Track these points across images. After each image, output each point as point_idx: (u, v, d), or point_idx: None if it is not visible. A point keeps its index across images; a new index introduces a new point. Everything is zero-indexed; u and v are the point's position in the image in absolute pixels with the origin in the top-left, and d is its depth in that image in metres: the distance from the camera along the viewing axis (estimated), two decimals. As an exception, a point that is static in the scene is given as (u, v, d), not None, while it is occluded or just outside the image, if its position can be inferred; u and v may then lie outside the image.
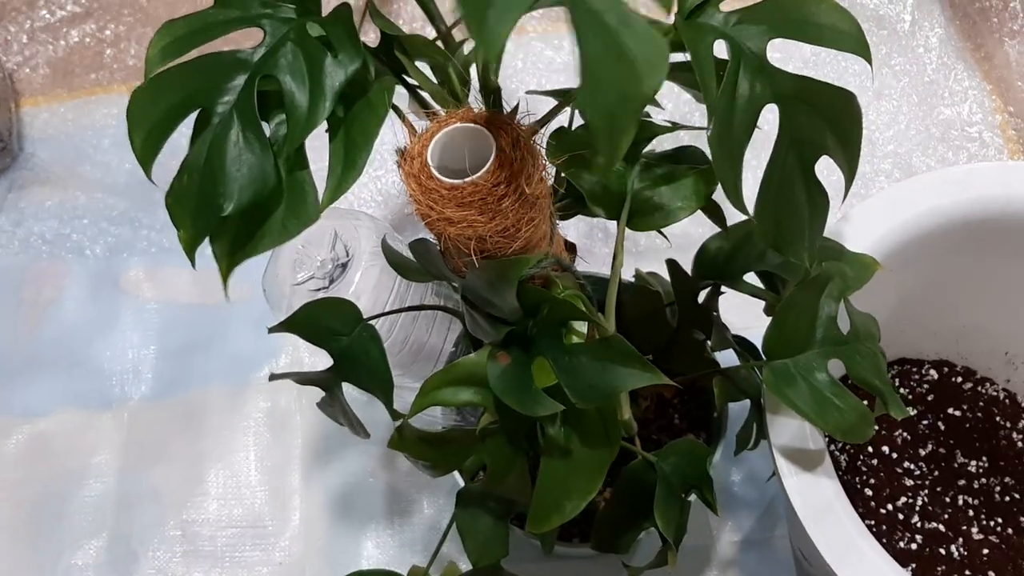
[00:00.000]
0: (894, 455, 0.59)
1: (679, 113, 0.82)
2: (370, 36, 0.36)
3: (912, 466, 0.59)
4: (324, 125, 0.33)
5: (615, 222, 0.45)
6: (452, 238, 0.36)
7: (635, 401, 0.56)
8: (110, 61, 0.91)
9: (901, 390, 0.63)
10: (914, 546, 0.56)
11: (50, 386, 0.74)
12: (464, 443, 0.42)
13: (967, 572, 0.55)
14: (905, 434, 0.60)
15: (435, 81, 0.41)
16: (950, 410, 0.61)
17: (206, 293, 0.78)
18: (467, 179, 0.34)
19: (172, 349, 0.75)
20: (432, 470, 0.44)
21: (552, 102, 0.41)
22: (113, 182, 0.84)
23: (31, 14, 0.92)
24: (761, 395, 0.47)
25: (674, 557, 0.44)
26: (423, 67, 0.41)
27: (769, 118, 0.33)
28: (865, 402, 0.42)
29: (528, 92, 0.48)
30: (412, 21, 0.90)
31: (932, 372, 0.63)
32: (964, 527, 0.57)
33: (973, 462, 0.59)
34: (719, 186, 0.34)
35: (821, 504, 0.43)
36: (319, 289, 0.55)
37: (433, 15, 0.42)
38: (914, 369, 0.63)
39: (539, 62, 0.87)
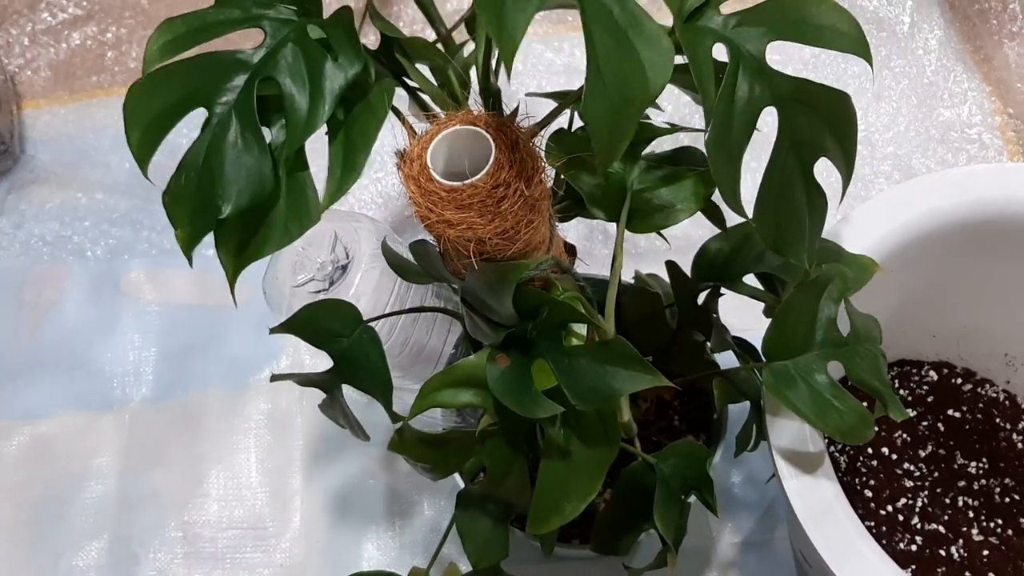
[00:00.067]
0: (894, 456, 0.59)
1: (679, 115, 0.82)
2: (370, 38, 0.36)
3: (912, 467, 0.59)
4: (324, 127, 0.33)
5: (615, 224, 0.45)
6: (451, 240, 0.36)
7: (635, 403, 0.56)
8: (111, 63, 0.91)
9: (901, 391, 0.63)
10: (914, 547, 0.56)
11: (51, 388, 0.74)
12: (464, 445, 0.42)
13: (967, 573, 0.55)
14: (905, 435, 0.60)
15: (435, 83, 0.41)
16: (950, 411, 0.61)
17: (207, 295, 0.78)
18: (466, 181, 0.34)
19: (173, 351, 0.75)
20: (432, 473, 0.44)
21: (552, 104, 0.41)
22: (114, 184, 0.84)
23: (32, 17, 0.92)
24: (761, 397, 0.47)
25: (674, 559, 0.45)
26: (423, 69, 0.41)
27: (768, 120, 0.33)
28: (865, 404, 0.42)
29: (528, 94, 0.48)
30: (412, 23, 0.90)
31: (932, 373, 0.63)
32: (964, 528, 0.57)
33: (973, 463, 0.59)
34: (718, 188, 0.34)
35: (821, 506, 0.43)
36: (319, 291, 0.55)
37: (433, 18, 0.42)
38: (914, 370, 0.63)
39: (539, 64, 0.87)
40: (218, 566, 0.67)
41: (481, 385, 0.38)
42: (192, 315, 0.77)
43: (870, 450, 0.59)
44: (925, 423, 0.61)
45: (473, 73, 0.40)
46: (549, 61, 0.88)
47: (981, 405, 0.62)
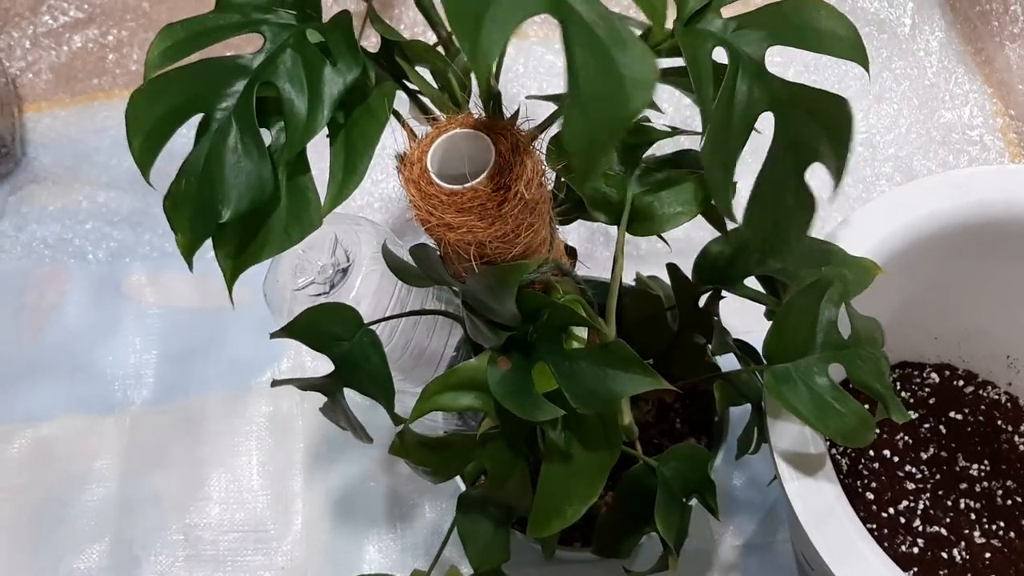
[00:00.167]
0: (895, 459, 0.59)
1: (679, 118, 0.82)
2: (371, 41, 0.36)
3: (914, 470, 0.59)
4: (326, 131, 0.33)
5: (615, 227, 0.45)
6: (452, 243, 0.36)
7: (636, 405, 0.56)
8: (113, 66, 0.91)
9: (902, 394, 0.63)
10: (916, 550, 0.56)
11: (52, 391, 0.74)
12: (465, 448, 0.42)
13: (969, 576, 0.55)
14: (906, 438, 0.60)
15: (435, 86, 0.41)
16: (951, 414, 0.61)
17: (208, 298, 0.78)
18: (467, 185, 0.34)
19: (174, 354, 0.76)
20: (433, 476, 0.44)
21: (552, 107, 0.41)
22: (115, 186, 0.84)
23: (34, 19, 0.92)
24: (762, 399, 0.47)
25: (675, 562, 0.44)
26: (424, 72, 0.41)
27: (768, 123, 0.33)
28: (866, 406, 0.42)
29: (528, 97, 0.48)
30: (413, 26, 0.90)
31: (933, 375, 0.63)
32: (966, 531, 0.57)
33: (975, 466, 0.59)
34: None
35: (822, 508, 0.43)
36: (320, 294, 0.55)
37: (434, 21, 0.42)
38: (915, 372, 0.63)
39: (540, 66, 0.87)
40: (219, 569, 0.67)
41: (482, 388, 0.38)
42: (193, 318, 0.77)
43: (872, 452, 0.59)
44: (927, 425, 0.61)
45: (473, 76, 0.40)
46: (550, 63, 0.87)
47: (983, 407, 0.62)
